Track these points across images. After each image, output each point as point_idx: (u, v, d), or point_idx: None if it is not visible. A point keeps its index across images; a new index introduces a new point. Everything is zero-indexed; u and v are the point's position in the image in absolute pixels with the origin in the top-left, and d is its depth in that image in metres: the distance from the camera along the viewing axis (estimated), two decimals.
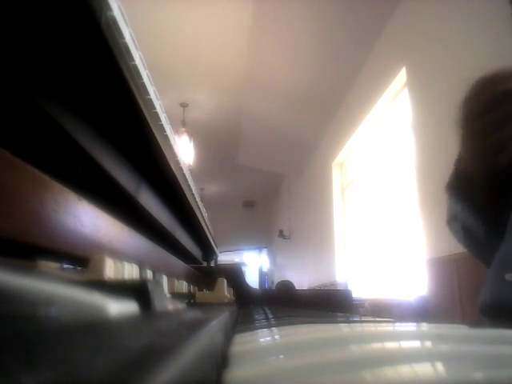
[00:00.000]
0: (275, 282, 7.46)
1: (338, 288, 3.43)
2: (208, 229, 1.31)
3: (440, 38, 1.99)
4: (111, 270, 0.37)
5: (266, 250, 9.25)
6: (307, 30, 2.77)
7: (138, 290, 0.25)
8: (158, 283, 0.46)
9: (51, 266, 0.35)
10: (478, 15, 1.70)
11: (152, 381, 0.09)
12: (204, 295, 0.87)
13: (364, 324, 0.44)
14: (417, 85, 2.25)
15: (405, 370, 0.19)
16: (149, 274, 0.51)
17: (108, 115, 0.44)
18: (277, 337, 0.32)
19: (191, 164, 3.76)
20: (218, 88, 3.61)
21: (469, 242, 0.72)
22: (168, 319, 0.25)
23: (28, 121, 0.34)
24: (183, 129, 3.68)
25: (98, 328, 0.15)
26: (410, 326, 0.38)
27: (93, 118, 0.42)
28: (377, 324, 0.41)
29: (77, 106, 0.39)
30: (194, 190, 0.96)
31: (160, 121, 0.55)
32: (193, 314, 0.34)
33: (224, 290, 0.88)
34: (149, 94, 0.48)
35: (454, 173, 0.69)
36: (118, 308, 0.19)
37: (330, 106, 3.64)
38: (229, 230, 7.22)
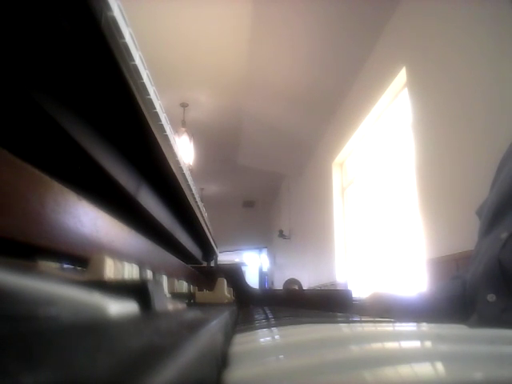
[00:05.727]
0: (275, 282, 7.46)
1: (338, 288, 3.43)
2: (208, 229, 1.31)
3: (440, 37, 1.99)
4: (111, 270, 0.37)
5: (265, 250, 9.25)
6: (307, 29, 2.77)
7: (138, 290, 0.25)
8: (158, 283, 0.46)
9: (51, 266, 0.35)
10: (478, 15, 1.70)
11: (152, 381, 0.09)
12: (204, 295, 0.87)
13: (364, 324, 0.44)
14: (417, 85, 2.25)
15: (405, 370, 0.19)
16: (149, 274, 0.51)
17: (108, 115, 0.44)
18: (277, 337, 0.32)
19: (191, 164, 3.76)
20: (218, 88, 3.61)
21: None
22: (168, 319, 0.25)
23: (28, 121, 0.34)
24: (183, 129, 3.68)
25: (98, 328, 0.15)
26: (410, 326, 0.37)
27: (93, 118, 0.42)
28: (377, 324, 0.41)
29: (77, 106, 0.39)
30: (194, 190, 0.96)
31: (160, 121, 0.55)
32: (193, 314, 0.34)
33: (224, 290, 0.88)
34: (149, 94, 0.48)
35: None
36: (118, 308, 0.19)
37: (330, 106, 3.64)
38: (229, 230, 7.22)
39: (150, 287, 0.26)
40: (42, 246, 0.31)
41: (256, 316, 0.63)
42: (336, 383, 0.17)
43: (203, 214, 1.18)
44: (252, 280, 7.66)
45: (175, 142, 0.68)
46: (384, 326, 0.39)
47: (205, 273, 1.18)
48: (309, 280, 4.56)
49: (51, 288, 0.17)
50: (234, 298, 1.04)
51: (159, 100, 0.53)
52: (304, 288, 3.34)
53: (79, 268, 0.39)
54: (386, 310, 0.77)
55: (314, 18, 2.64)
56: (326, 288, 3.71)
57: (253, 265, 9.28)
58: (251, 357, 0.22)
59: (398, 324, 0.41)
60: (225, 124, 4.23)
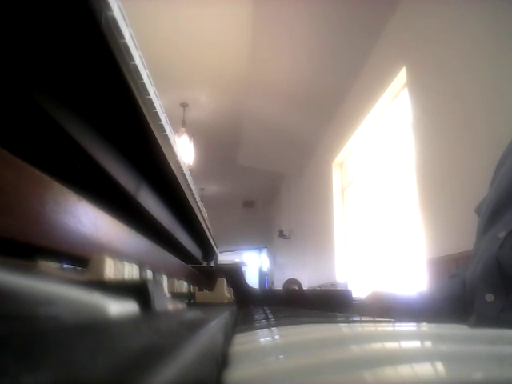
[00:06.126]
0: (275, 282, 7.46)
1: (338, 288, 3.43)
2: (208, 229, 1.31)
3: (440, 38, 1.99)
4: (111, 270, 0.37)
5: (265, 249, 9.25)
6: (307, 29, 2.77)
7: (138, 290, 0.25)
8: (158, 283, 0.46)
9: (51, 266, 0.35)
10: (477, 15, 1.70)
11: (152, 381, 0.09)
12: (204, 295, 0.87)
13: (364, 324, 0.44)
14: (417, 85, 2.25)
15: (405, 370, 0.19)
16: (149, 274, 0.51)
17: (108, 115, 0.44)
18: (277, 337, 0.32)
19: (191, 164, 3.76)
20: (218, 88, 3.61)
21: None
22: (168, 319, 0.25)
23: (28, 121, 0.34)
24: (183, 129, 3.68)
25: (98, 328, 0.15)
26: (410, 326, 0.37)
27: (93, 118, 0.42)
28: (377, 324, 0.41)
29: (77, 106, 0.39)
30: (194, 190, 0.96)
31: (160, 121, 0.55)
32: (193, 314, 0.34)
33: (224, 290, 0.88)
34: (149, 94, 0.48)
35: None
36: (118, 308, 0.19)
37: (330, 106, 3.63)
38: (229, 230, 7.21)
39: (150, 287, 0.26)
40: (42, 246, 0.31)
41: (256, 316, 0.63)
42: (336, 383, 0.17)
43: (203, 214, 1.18)
44: (252, 280, 7.65)
45: (175, 142, 0.68)
46: (384, 326, 0.39)
47: (205, 273, 1.18)
48: (309, 280, 4.56)
49: (51, 288, 0.17)
50: (234, 297, 1.04)
51: (159, 100, 0.53)
52: (304, 288, 3.34)
53: (79, 268, 0.39)
54: (385, 309, 0.77)
55: (314, 18, 2.64)
56: (325, 288, 3.71)
57: (253, 265, 9.27)
58: (251, 357, 0.22)
59: (398, 324, 0.41)
60: (225, 124, 4.23)
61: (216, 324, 0.24)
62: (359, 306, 1.14)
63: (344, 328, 0.37)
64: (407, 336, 0.29)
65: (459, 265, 1.66)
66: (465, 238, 1.56)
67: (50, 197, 0.33)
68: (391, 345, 0.25)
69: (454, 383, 0.17)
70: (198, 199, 1.03)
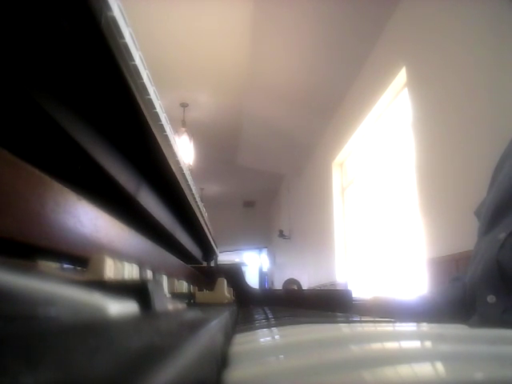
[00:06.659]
0: (275, 282, 7.46)
1: (338, 288, 3.43)
2: (208, 229, 1.31)
3: (440, 37, 1.99)
4: (111, 270, 0.37)
5: (265, 249, 9.25)
6: (307, 30, 2.77)
7: (138, 290, 0.25)
8: (158, 283, 0.46)
9: (51, 266, 0.35)
10: (478, 15, 1.70)
11: (152, 381, 0.09)
12: (204, 295, 0.87)
13: (364, 324, 0.44)
14: (417, 85, 2.25)
15: (405, 370, 0.19)
16: (149, 274, 0.51)
17: (108, 115, 0.44)
18: (277, 337, 0.32)
19: (191, 164, 3.76)
20: (218, 88, 3.61)
21: None
22: (168, 319, 0.25)
23: (28, 121, 0.34)
24: (183, 129, 3.69)
25: (98, 328, 0.15)
26: (410, 326, 0.37)
27: (93, 118, 0.42)
28: (377, 324, 0.41)
29: (77, 106, 0.39)
30: (194, 190, 0.96)
31: (160, 121, 0.55)
32: (193, 314, 0.34)
33: (224, 290, 0.88)
34: (149, 94, 0.48)
35: None
36: (118, 308, 0.19)
37: (330, 106, 3.63)
38: (229, 230, 7.22)
39: (150, 287, 0.26)
40: (42, 246, 0.31)
41: (256, 316, 0.63)
42: (336, 383, 0.17)
43: (203, 213, 1.18)
44: (252, 280, 7.65)
45: (175, 142, 0.68)
46: (384, 326, 0.39)
47: (205, 273, 1.18)
48: (309, 280, 4.56)
49: (51, 288, 0.17)
50: (234, 297, 1.04)
51: (159, 100, 0.53)
52: (304, 288, 3.33)
53: (79, 268, 0.39)
54: (386, 313, 0.77)
55: (314, 18, 2.64)
56: (325, 288, 3.70)
57: (253, 265, 9.28)
58: (251, 357, 0.22)
59: (398, 324, 0.41)
60: (225, 124, 4.23)
61: (216, 324, 0.24)
62: (360, 307, 1.14)
63: (344, 328, 0.37)
64: (407, 336, 0.29)
65: (459, 265, 1.66)
66: (465, 238, 1.56)
67: (49, 197, 0.33)
68: (391, 345, 0.25)
69: (453, 383, 0.17)
70: (198, 199, 1.03)
